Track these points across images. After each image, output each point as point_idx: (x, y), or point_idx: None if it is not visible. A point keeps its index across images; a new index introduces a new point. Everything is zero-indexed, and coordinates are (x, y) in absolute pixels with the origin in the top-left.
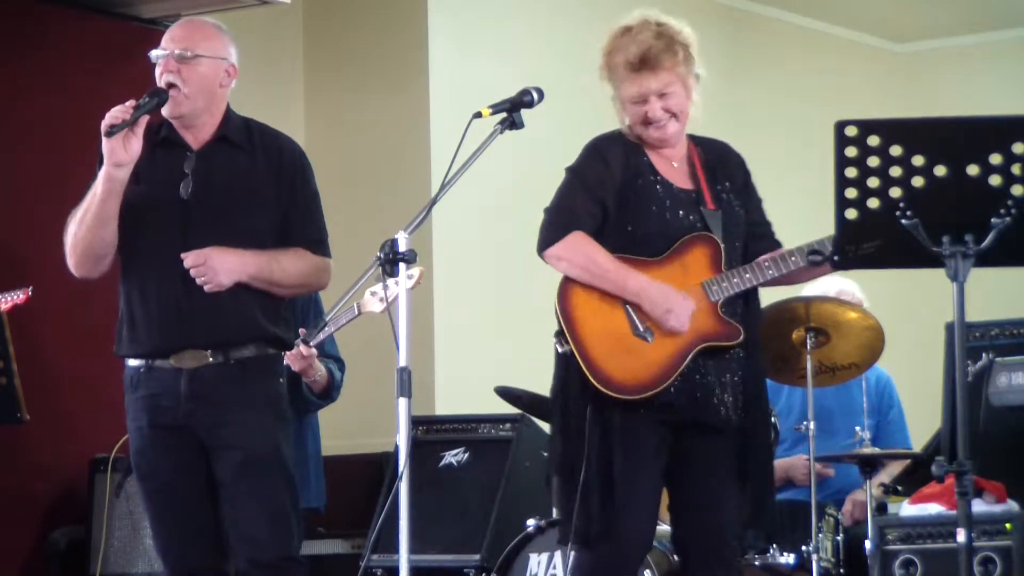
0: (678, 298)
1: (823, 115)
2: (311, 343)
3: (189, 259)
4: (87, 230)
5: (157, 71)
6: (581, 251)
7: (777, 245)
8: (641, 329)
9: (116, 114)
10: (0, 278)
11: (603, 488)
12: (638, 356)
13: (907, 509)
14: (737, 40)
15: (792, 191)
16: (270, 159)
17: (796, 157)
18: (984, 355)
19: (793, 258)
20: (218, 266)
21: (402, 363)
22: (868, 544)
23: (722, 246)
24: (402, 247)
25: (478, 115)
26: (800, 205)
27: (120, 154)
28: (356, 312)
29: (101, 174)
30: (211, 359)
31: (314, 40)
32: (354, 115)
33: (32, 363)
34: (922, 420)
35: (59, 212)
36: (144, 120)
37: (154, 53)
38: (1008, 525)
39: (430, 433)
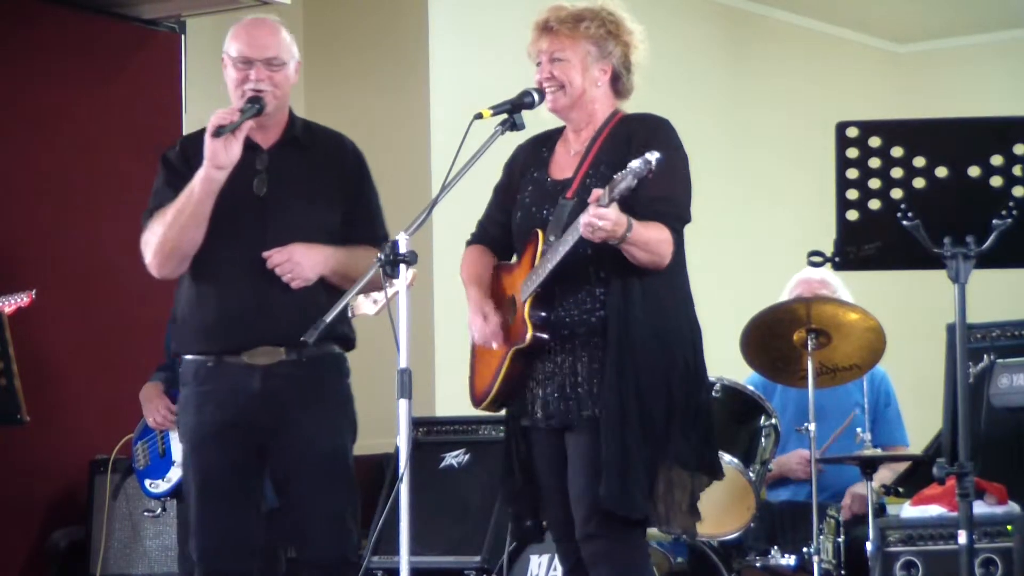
0: (472, 317)
1: (824, 116)
2: (310, 342)
3: (274, 258)
4: (179, 231)
5: (237, 75)
6: (462, 267)
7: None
8: None
9: (223, 115)
10: (0, 278)
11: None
12: (489, 367)
13: (908, 511)
14: (738, 40)
15: (793, 192)
16: (333, 157)
17: (797, 158)
18: (985, 356)
19: (563, 244)
20: (303, 261)
21: (402, 364)
22: (869, 545)
23: (541, 239)
24: (403, 248)
25: (479, 116)
26: (801, 206)
27: (221, 157)
28: (350, 315)
29: (200, 175)
30: (285, 356)
31: (314, 40)
32: (354, 115)
33: (32, 364)
34: (923, 421)
35: (60, 212)
36: (246, 126)
37: (238, 58)
38: (1009, 527)
39: (430, 434)
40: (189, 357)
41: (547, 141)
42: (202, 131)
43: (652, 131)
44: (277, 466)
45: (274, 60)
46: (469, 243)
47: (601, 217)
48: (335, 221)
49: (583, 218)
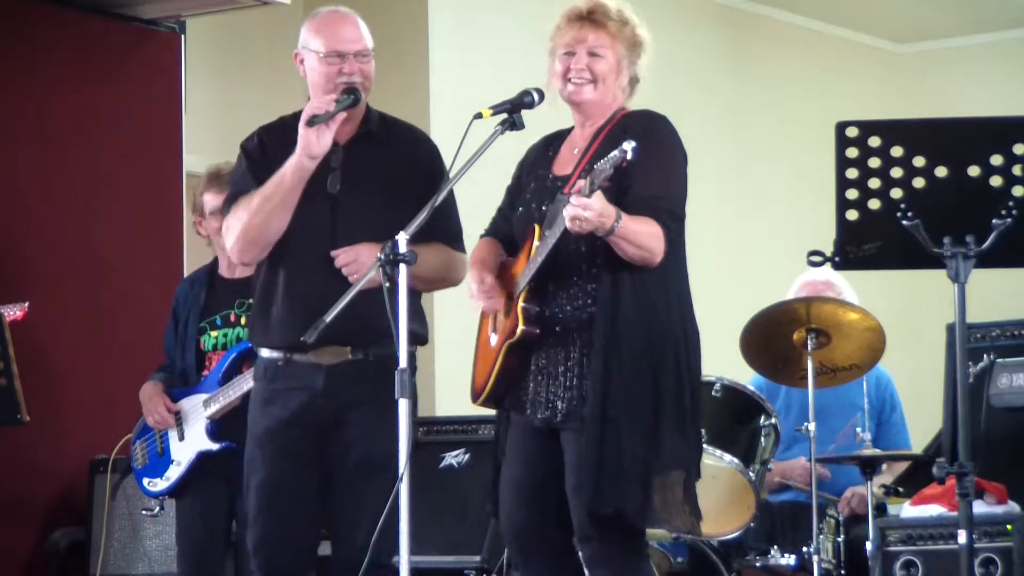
0: (472, 288)
1: (824, 116)
2: (310, 341)
3: (340, 258)
4: (265, 217)
5: (329, 69)
6: (471, 256)
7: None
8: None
9: (317, 105)
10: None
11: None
12: (487, 362)
13: (908, 510)
14: (738, 41)
15: (793, 192)
16: (408, 152)
17: (796, 158)
18: (985, 356)
19: (552, 237)
20: (370, 261)
21: (402, 364)
22: (869, 545)
23: (537, 234)
24: (402, 248)
25: (479, 116)
26: (801, 206)
27: (314, 146)
28: None
29: (291, 163)
30: (351, 355)
31: None
32: None
33: (32, 364)
34: (923, 421)
35: (59, 212)
36: (340, 117)
37: (329, 53)
38: (1009, 527)
39: (430, 434)
40: (264, 354)
41: (556, 140)
42: (279, 121)
43: (648, 126)
44: (328, 465)
45: (362, 52)
46: (482, 236)
47: (585, 207)
48: (409, 217)
49: (567, 210)
